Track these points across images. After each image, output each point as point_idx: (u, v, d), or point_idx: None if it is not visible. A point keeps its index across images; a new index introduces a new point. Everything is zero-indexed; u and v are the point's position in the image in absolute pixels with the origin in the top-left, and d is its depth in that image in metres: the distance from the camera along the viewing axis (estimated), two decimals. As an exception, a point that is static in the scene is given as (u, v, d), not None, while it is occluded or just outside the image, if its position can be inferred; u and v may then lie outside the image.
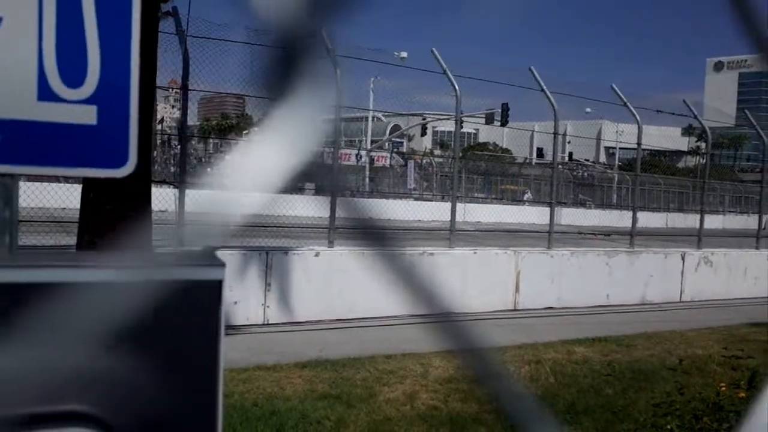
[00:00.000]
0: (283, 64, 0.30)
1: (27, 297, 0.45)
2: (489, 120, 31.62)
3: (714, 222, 20.09)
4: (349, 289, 7.37)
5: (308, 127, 0.31)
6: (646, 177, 28.09)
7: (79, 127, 1.02)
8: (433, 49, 8.94)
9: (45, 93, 1.00)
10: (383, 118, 51.49)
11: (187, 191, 7.20)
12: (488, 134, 67.61)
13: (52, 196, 8.74)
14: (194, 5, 7.45)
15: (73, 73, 1.01)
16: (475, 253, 8.77)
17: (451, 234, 8.83)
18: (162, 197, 7.52)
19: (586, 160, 48.52)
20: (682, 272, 10.60)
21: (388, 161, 31.16)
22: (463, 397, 4.72)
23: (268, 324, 7.03)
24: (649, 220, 20.40)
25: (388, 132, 50.60)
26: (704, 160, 14.73)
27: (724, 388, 3.81)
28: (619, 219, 16.95)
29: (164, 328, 0.52)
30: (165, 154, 20.06)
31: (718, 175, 38.10)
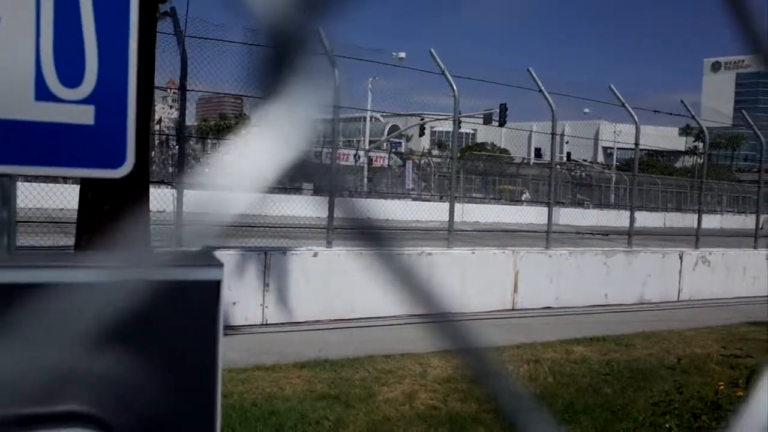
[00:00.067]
0: (277, 62, 0.30)
1: (25, 297, 0.45)
2: (487, 120, 31.64)
3: (712, 222, 20.14)
4: (348, 289, 7.37)
5: (302, 125, 0.31)
6: (643, 177, 28.12)
7: (77, 127, 1.02)
8: (432, 49, 8.94)
9: (42, 93, 0.99)
10: (381, 119, 51.48)
11: (185, 191, 7.20)
12: (486, 134, 67.62)
13: (51, 196, 8.72)
14: (192, 6, 7.45)
15: (70, 73, 1.00)
16: (473, 253, 8.78)
17: (450, 234, 8.84)
18: (160, 198, 7.51)
19: (584, 160, 48.57)
20: (680, 272, 10.62)
21: (386, 161, 31.16)
22: (462, 397, 4.72)
23: (266, 324, 7.03)
24: (647, 219, 20.43)
25: (386, 132, 50.59)
26: (702, 160, 14.76)
27: (722, 387, 3.81)
28: (617, 219, 16.95)
29: (163, 329, 0.52)
30: (163, 155, 20.05)
31: (716, 175, 38.17)
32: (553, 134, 10.07)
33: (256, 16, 0.30)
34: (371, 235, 0.35)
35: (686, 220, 17.90)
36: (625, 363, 6.02)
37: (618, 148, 51.17)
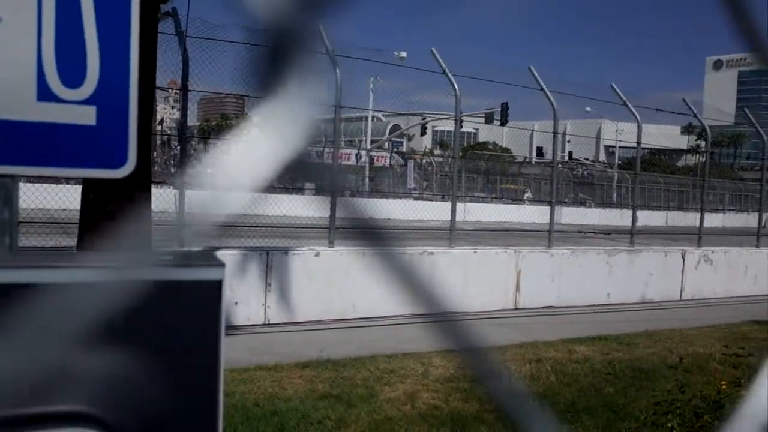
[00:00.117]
0: (275, 60, 0.30)
1: (25, 297, 0.45)
2: (489, 119, 31.60)
3: (714, 220, 20.11)
4: (350, 289, 7.37)
5: (302, 123, 0.31)
6: (645, 176, 28.09)
7: (79, 128, 1.02)
8: (433, 48, 8.94)
9: (44, 93, 0.99)
10: (383, 118, 51.48)
11: (187, 192, 7.20)
12: (488, 134, 67.60)
13: (53, 197, 8.74)
14: (193, 6, 7.45)
15: (72, 74, 1.00)
16: (475, 252, 8.77)
17: (451, 233, 8.83)
18: (162, 198, 7.52)
19: (585, 159, 48.54)
20: (683, 271, 10.60)
21: (387, 161, 31.17)
22: (464, 397, 4.72)
23: (268, 324, 7.04)
24: (649, 218, 20.41)
25: (387, 132, 50.59)
26: (704, 159, 14.73)
27: (725, 386, 3.81)
28: (619, 218, 16.96)
29: (165, 328, 0.52)
30: (165, 155, 20.07)
31: (718, 173, 38.10)
32: (555, 133, 10.06)
33: (255, 15, 0.30)
34: (373, 235, 0.35)
35: (688, 218, 17.89)
36: (627, 362, 6.01)
37: (620, 147, 51.09)
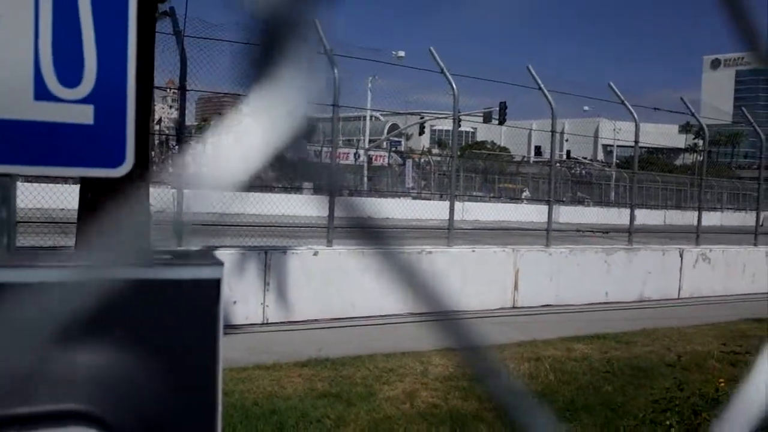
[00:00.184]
0: (269, 48, 0.30)
1: (25, 296, 0.45)
2: (487, 119, 31.62)
3: (712, 219, 20.14)
4: (348, 288, 7.37)
5: (297, 114, 0.31)
6: (643, 174, 28.11)
7: (76, 127, 1.02)
8: (431, 48, 8.94)
9: (41, 92, 0.99)
10: (381, 117, 51.47)
11: (185, 191, 7.19)
12: (486, 133, 67.62)
13: (51, 197, 8.73)
14: (191, 5, 7.45)
15: (69, 73, 1.00)
16: (473, 251, 8.78)
17: (450, 232, 8.84)
18: (161, 197, 7.50)
19: (583, 158, 48.55)
20: (681, 269, 10.62)
21: (386, 160, 31.16)
22: (463, 395, 4.72)
23: (267, 323, 7.03)
24: (647, 217, 20.43)
25: (386, 131, 50.58)
26: (702, 157, 14.75)
27: (723, 384, 3.82)
28: (618, 216, 16.96)
29: (163, 327, 0.52)
30: (163, 155, 20.04)
31: (716, 172, 38.17)
32: (553, 132, 10.06)
33: (253, 9, 0.30)
34: (372, 234, 0.35)
35: (686, 217, 17.91)
36: (625, 360, 6.02)
37: (618, 146, 51.17)
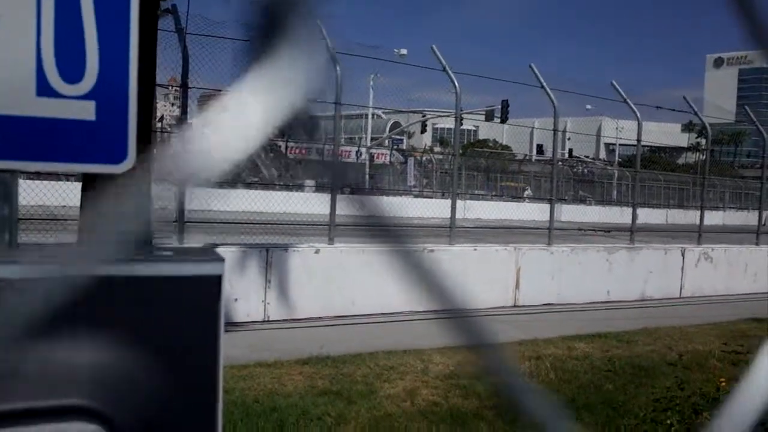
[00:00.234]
0: (269, 30, 0.30)
1: (30, 292, 0.45)
2: (489, 117, 31.57)
3: (714, 218, 20.08)
4: (349, 285, 7.38)
5: (296, 95, 0.31)
6: (646, 173, 28.07)
7: (78, 123, 1.02)
8: (433, 46, 8.92)
9: (43, 88, 0.99)
10: (383, 116, 51.44)
11: (186, 189, 7.19)
12: (488, 131, 67.55)
13: (53, 194, 8.74)
14: (193, 3, 7.45)
15: (71, 69, 1.00)
16: (475, 249, 8.78)
17: (451, 231, 8.83)
18: (162, 194, 7.51)
19: (586, 156, 48.47)
20: (682, 268, 10.60)
21: (388, 158, 31.15)
22: (464, 393, 4.72)
23: (268, 321, 7.04)
24: (649, 216, 20.39)
25: (387, 129, 50.56)
26: (704, 157, 14.72)
27: (724, 383, 3.81)
28: (619, 215, 16.92)
29: (164, 324, 0.52)
30: (165, 152, 20.05)
31: (718, 171, 38.06)
32: (555, 130, 10.05)
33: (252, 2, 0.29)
34: (388, 232, 0.34)
35: (688, 216, 17.87)
36: (626, 359, 6.02)
37: (620, 145, 51.08)
